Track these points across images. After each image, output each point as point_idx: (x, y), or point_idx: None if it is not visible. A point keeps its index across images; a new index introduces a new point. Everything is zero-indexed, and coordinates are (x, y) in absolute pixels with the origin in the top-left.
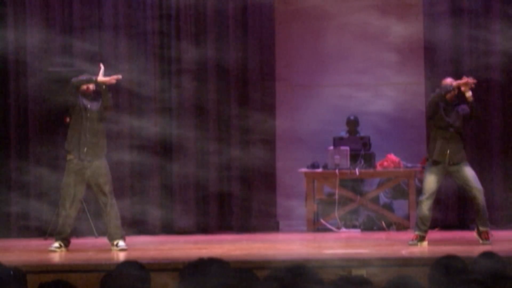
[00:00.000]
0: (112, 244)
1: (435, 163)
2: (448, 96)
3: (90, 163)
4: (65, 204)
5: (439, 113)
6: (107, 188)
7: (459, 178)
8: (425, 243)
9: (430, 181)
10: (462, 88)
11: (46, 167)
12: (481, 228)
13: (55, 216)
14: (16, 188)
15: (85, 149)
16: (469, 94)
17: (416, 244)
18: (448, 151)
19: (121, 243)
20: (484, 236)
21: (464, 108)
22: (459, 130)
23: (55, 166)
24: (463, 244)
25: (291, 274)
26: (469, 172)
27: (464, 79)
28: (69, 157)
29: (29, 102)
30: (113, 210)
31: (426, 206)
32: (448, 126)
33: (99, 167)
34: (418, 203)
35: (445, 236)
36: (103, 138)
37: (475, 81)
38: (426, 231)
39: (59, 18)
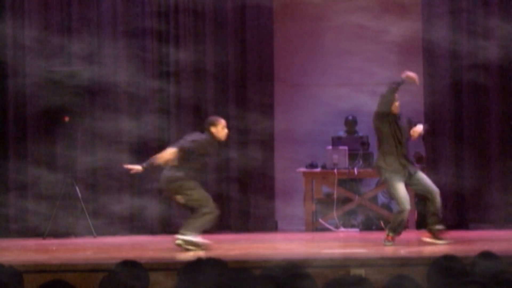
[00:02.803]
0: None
1: (395, 171)
2: (393, 108)
3: None
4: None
5: (388, 128)
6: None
7: (417, 185)
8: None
9: (403, 189)
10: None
11: (44, 167)
12: (437, 227)
13: (53, 216)
14: (14, 188)
15: None
16: (419, 130)
17: (391, 245)
18: (407, 168)
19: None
20: (440, 235)
21: (403, 121)
22: (406, 141)
23: (53, 166)
24: (462, 244)
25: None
26: (424, 177)
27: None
28: None
29: (27, 102)
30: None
31: (408, 215)
32: (398, 143)
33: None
34: (399, 212)
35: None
36: None
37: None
38: (400, 234)
39: (57, 18)
